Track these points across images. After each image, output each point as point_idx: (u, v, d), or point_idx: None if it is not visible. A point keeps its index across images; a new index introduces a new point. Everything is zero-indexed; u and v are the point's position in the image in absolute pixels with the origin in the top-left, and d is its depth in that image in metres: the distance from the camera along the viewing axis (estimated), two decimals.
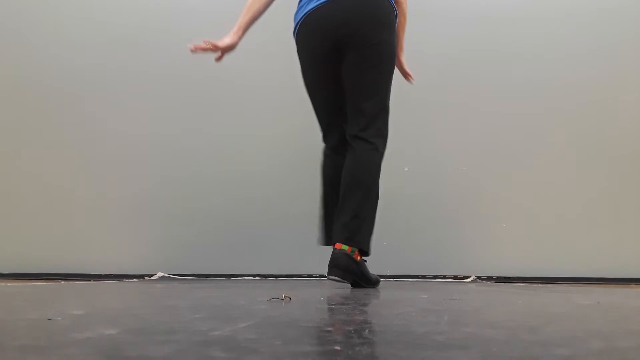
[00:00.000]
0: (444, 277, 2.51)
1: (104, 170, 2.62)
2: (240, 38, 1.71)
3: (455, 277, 2.49)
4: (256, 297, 1.08)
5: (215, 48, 1.68)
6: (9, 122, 2.65)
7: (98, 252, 2.54)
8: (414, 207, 2.57)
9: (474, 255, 2.56)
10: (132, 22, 2.68)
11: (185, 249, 2.54)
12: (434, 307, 0.90)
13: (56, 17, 2.70)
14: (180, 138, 2.64)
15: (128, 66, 2.67)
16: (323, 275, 2.43)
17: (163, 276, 2.43)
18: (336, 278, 1.51)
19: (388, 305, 1.00)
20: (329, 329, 0.61)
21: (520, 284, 2.28)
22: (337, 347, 0.45)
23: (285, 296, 1.01)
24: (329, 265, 1.52)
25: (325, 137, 1.78)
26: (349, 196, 1.58)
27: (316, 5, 1.61)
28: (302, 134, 2.48)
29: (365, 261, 1.65)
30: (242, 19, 1.70)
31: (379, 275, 1.73)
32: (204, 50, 1.69)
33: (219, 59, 1.72)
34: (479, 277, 2.48)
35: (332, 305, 0.95)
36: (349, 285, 1.61)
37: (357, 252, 1.55)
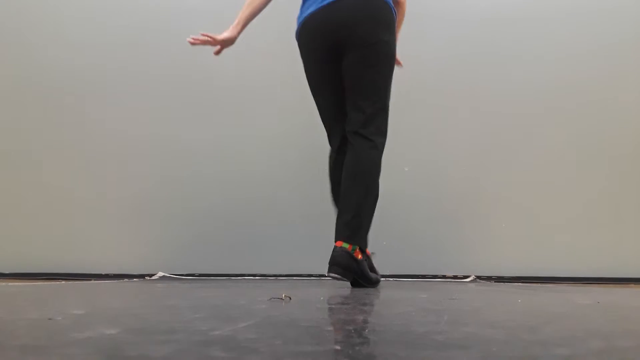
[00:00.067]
0: (444, 276, 2.51)
1: (104, 170, 2.62)
2: (239, 32, 1.74)
3: (455, 277, 2.50)
4: (256, 297, 1.08)
5: (214, 41, 1.70)
6: (9, 122, 2.66)
7: (98, 252, 2.54)
8: (414, 207, 2.57)
9: (474, 255, 2.56)
10: (132, 23, 2.68)
11: (186, 248, 2.54)
12: (433, 306, 0.90)
13: (56, 17, 2.70)
14: (181, 138, 2.64)
15: (128, 66, 2.67)
16: (323, 275, 2.43)
17: (163, 276, 2.43)
18: (336, 276, 1.52)
19: (388, 305, 1.01)
20: (329, 328, 0.61)
21: (519, 283, 2.28)
22: (337, 347, 0.45)
23: (285, 296, 1.01)
24: (329, 263, 1.53)
25: (330, 138, 1.80)
26: (349, 194, 1.59)
27: (316, 9, 1.65)
28: (302, 134, 2.49)
29: (374, 253, 1.67)
30: (242, 14, 1.73)
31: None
32: (203, 43, 1.71)
33: (217, 52, 1.75)
34: (479, 277, 2.48)
35: (332, 304, 0.95)
36: (349, 284, 1.62)
37: (358, 251, 1.55)
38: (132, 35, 2.67)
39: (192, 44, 1.71)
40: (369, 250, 1.75)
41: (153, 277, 2.41)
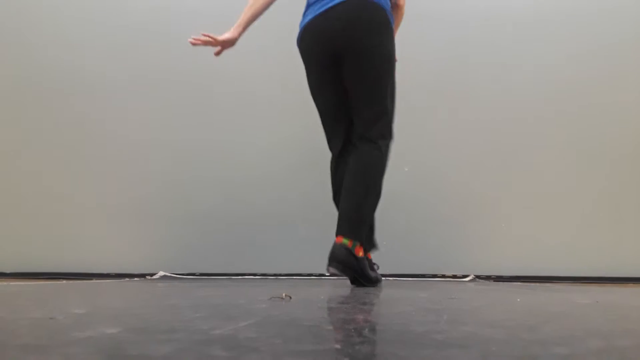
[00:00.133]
0: (443, 276, 2.51)
1: (105, 170, 2.62)
2: (240, 34, 1.75)
3: (455, 277, 2.50)
4: (257, 296, 1.08)
5: (214, 42, 1.71)
6: (9, 122, 2.66)
7: (99, 252, 2.54)
8: (414, 207, 2.57)
9: (473, 254, 2.56)
10: (133, 23, 2.68)
11: (187, 248, 2.54)
12: (433, 306, 0.91)
13: (56, 17, 2.70)
14: (182, 139, 2.64)
15: (128, 66, 2.67)
16: (323, 275, 2.44)
17: (164, 275, 2.44)
18: (334, 271, 1.51)
19: (388, 304, 1.01)
20: (329, 327, 0.61)
21: (519, 283, 2.28)
22: (337, 346, 0.45)
23: (285, 295, 1.01)
24: (328, 259, 1.53)
25: (330, 142, 1.80)
26: (351, 192, 1.60)
27: (314, 16, 1.67)
28: (302, 137, 2.49)
29: (372, 252, 1.67)
30: (244, 16, 1.75)
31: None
32: (204, 43, 1.71)
33: (218, 53, 1.77)
34: (478, 277, 2.48)
35: (332, 304, 0.96)
36: (349, 282, 1.62)
37: (358, 248, 1.55)
38: (132, 35, 2.67)
39: (193, 44, 1.72)
40: (370, 253, 1.75)
41: (154, 277, 2.41)
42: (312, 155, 2.16)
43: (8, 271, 2.51)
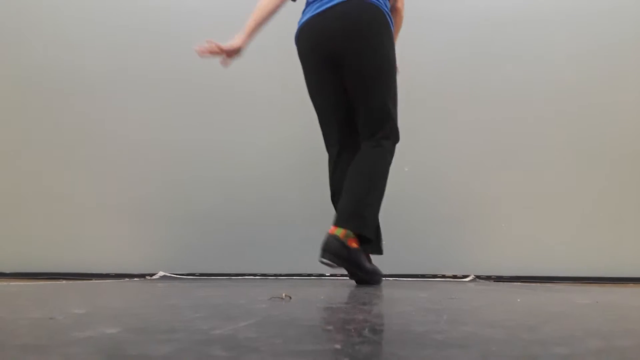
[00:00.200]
0: (443, 276, 2.51)
1: (105, 170, 2.62)
2: (245, 42, 1.72)
3: (455, 277, 2.50)
4: (257, 296, 1.08)
5: (220, 51, 1.68)
6: (9, 122, 2.66)
7: (99, 252, 2.55)
8: (414, 207, 2.57)
9: (473, 254, 2.56)
10: (133, 23, 2.68)
11: (186, 248, 2.54)
12: (433, 306, 0.91)
13: (56, 17, 2.70)
14: (182, 139, 2.64)
15: (129, 66, 2.67)
16: (323, 275, 2.44)
17: (164, 275, 2.44)
18: (326, 261, 1.51)
19: (388, 304, 1.01)
20: (329, 327, 0.61)
21: (519, 283, 2.28)
22: (337, 346, 0.45)
23: (285, 295, 1.01)
24: (320, 249, 1.53)
25: (328, 143, 1.79)
26: (351, 190, 1.59)
27: (312, 15, 1.66)
28: (302, 137, 2.49)
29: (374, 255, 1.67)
30: (249, 23, 1.72)
31: None
32: (212, 53, 1.68)
33: (224, 62, 1.73)
34: (478, 277, 2.48)
35: (332, 304, 0.96)
36: (348, 278, 1.62)
37: (353, 239, 1.53)
38: (132, 35, 2.67)
39: (201, 55, 1.68)
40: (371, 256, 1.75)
41: (154, 277, 2.41)
42: (312, 155, 2.16)
43: (8, 271, 2.51)
